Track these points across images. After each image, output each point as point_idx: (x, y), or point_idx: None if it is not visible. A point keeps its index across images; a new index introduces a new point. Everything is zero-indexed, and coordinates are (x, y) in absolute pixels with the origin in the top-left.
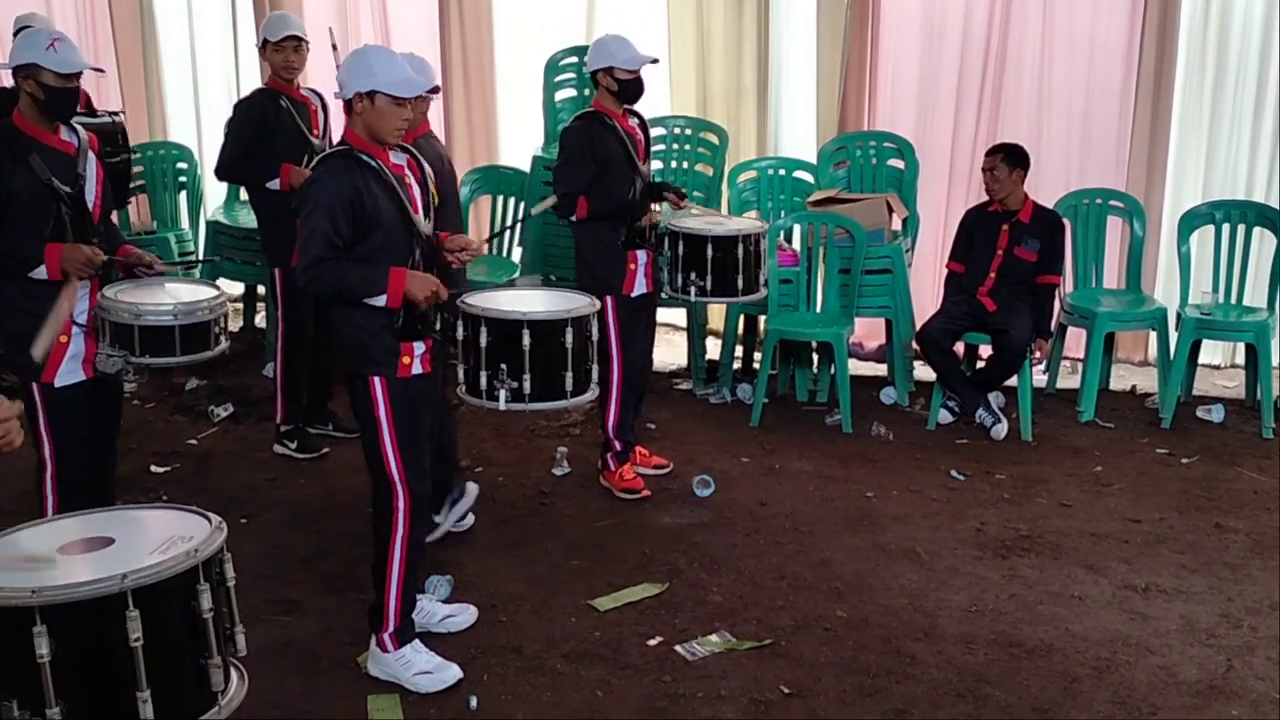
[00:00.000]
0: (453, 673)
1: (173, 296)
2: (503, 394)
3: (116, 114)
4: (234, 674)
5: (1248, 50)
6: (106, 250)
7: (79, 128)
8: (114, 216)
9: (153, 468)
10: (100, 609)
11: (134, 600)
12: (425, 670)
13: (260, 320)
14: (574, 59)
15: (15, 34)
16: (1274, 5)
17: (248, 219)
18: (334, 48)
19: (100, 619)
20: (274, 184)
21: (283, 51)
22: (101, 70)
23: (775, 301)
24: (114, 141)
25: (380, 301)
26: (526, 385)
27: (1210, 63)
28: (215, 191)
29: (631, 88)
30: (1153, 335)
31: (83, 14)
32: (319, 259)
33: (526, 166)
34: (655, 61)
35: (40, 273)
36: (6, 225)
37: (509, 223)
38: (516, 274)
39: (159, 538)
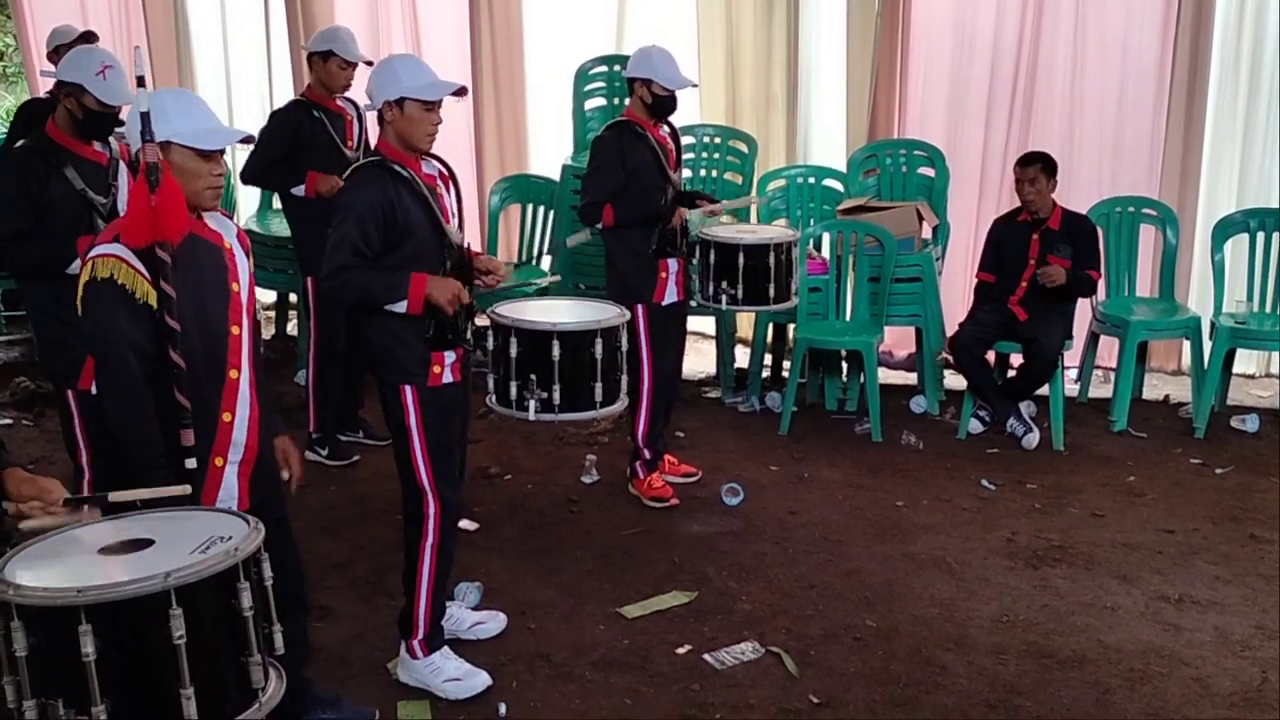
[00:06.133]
0: (482, 680)
1: None
2: (532, 404)
3: None
4: (272, 673)
5: None
6: None
7: (110, 138)
8: None
9: None
10: (144, 607)
11: (177, 598)
12: (455, 677)
13: (292, 328)
14: (604, 68)
15: (51, 46)
16: None
17: (280, 228)
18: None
19: (144, 617)
20: (299, 190)
21: (347, 70)
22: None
23: (805, 310)
24: None
25: (401, 308)
26: (556, 395)
27: (1244, 70)
28: (248, 200)
29: (665, 104)
30: (1186, 344)
31: (117, 23)
32: (345, 266)
33: (556, 175)
34: (695, 86)
35: (75, 267)
36: (42, 233)
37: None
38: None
39: (198, 538)
